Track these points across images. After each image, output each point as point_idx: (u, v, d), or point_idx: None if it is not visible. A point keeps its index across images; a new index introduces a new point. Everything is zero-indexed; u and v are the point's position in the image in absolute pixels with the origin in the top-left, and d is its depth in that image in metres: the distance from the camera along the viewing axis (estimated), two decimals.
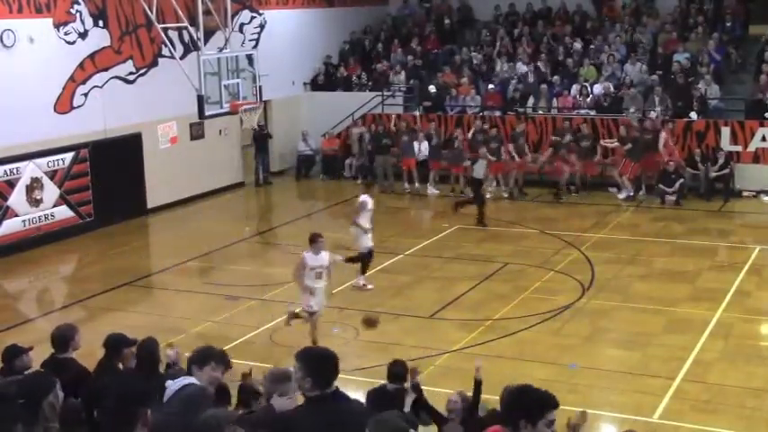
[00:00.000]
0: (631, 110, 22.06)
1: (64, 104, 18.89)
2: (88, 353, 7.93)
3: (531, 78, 24.19)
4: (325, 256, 12.22)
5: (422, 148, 22.90)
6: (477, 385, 8.10)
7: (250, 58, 17.81)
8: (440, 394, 8.84)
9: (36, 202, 18.29)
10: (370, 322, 11.68)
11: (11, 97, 17.42)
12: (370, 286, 15.05)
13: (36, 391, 4.98)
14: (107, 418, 4.37)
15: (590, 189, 21.89)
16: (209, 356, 5.85)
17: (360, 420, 4.80)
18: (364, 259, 15.02)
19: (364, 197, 15.17)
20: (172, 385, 5.71)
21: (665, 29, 24.85)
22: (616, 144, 21.64)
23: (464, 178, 21.75)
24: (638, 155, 21.16)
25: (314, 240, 12.21)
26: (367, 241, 14.89)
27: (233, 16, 19.99)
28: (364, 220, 14.86)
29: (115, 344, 7.35)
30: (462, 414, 7.73)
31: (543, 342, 12.64)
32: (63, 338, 7.52)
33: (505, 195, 21.95)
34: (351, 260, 14.91)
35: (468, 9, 28.03)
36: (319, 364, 5.06)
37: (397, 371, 8.13)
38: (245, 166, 24.10)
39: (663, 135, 21.20)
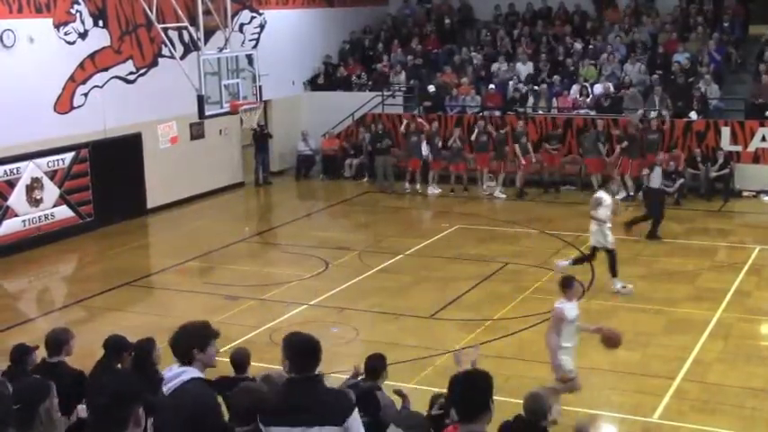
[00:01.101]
0: (639, 111, 22.00)
1: (64, 104, 18.89)
2: (88, 353, 7.93)
3: (530, 79, 24.19)
4: (576, 304, 10.12)
5: (423, 149, 22.91)
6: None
7: (250, 58, 17.81)
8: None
9: (36, 202, 18.29)
10: (611, 341, 10.06)
11: (11, 97, 17.41)
12: (629, 286, 14.40)
13: (32, 397, 4.96)
14: (99, 415, 4.34)
15: (589, 188, 21.89)
16: (209, 335, 5.80)
17: (327, 409, 5.17)
18: (611, 260, 14.32)
19: (601, 193, 14.70)
20: (172, 379, 5.63)
21: (665, 29, 24.86)
22: (617, 152, 21.50)
23: (642, 191, 18.85)
24: (635, 153, 21.12)
25: (568, 285, 10.01)
26: (602, 238, 14.22)
27: (233, 16, 19.99)
28: (603, 216, 14.26)
29: (115, 346, 7.32)
30: None
31: (543, 342, 12.59)
32: (57, 342, 7.48)
33: (503, 196, 21.94)
34: (578, 261, 14.23)
35: (469, 9, 28.03)
36: (297, 348, 5.39)
37: (373, 366, 7.63)
38: (245, 166, 24.10)
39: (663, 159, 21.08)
